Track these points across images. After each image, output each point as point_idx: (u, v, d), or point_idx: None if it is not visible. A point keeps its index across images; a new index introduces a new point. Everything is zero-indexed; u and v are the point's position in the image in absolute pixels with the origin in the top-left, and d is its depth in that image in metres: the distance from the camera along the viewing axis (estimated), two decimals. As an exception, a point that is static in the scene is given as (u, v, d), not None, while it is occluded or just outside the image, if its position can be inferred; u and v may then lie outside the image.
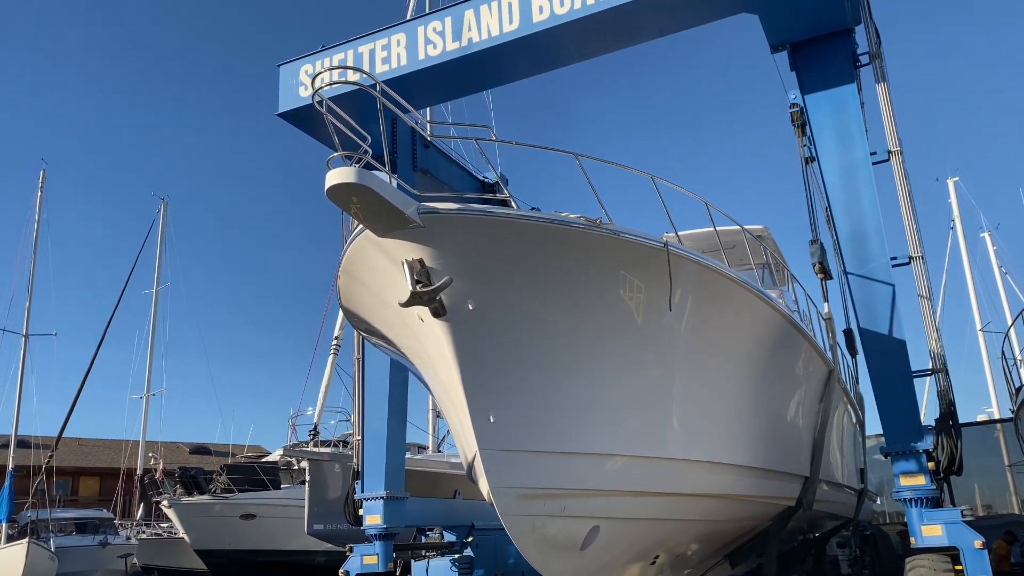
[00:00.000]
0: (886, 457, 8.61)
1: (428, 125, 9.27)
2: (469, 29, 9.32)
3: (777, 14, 9.04)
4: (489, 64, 9.61)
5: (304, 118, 10.79)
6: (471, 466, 6.36)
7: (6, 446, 28.66)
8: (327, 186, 5.11)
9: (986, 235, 32.72)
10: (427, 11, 10.62)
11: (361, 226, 5.72)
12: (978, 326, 30.83)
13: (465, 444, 6.29)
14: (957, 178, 32.31)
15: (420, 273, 5.66)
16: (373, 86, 5.72)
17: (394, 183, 5.51)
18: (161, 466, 24.28)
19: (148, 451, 32.05)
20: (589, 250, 6.08)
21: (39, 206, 31.75)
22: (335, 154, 5.66)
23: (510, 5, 9.16)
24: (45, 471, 23.54)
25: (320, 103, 5.72)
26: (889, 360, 8.60)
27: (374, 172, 5.37)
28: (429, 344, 6.16)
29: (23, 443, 28.88)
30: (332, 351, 16.23)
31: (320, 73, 5.61)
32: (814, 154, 9.67)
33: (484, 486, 6.08)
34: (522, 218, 5.83)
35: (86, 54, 72.05)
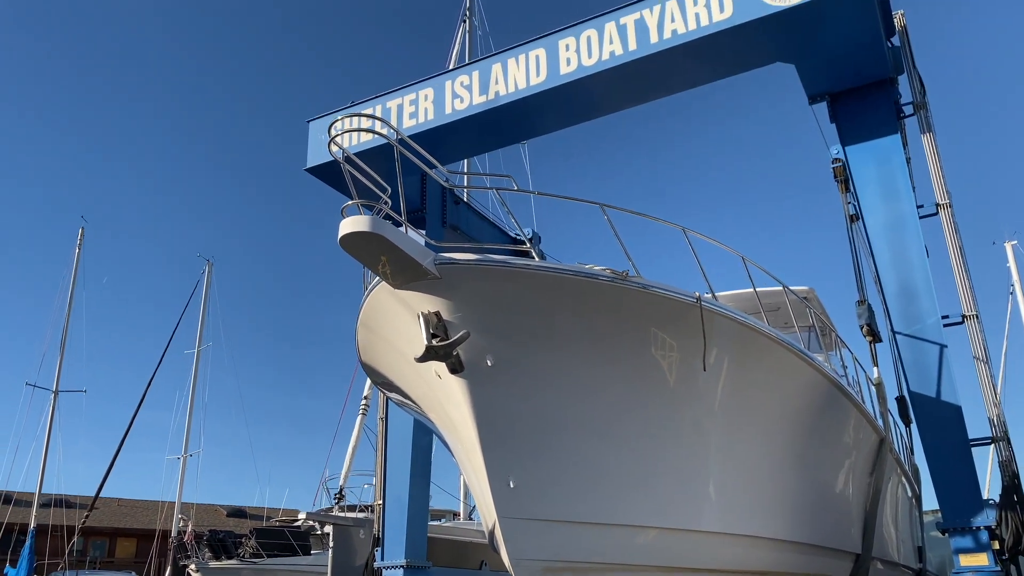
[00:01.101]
0: (944, 534, 7.93)
1: (450, 177, 9.10)
2: (496, 83, 9.22)
3: (814, 64, 8.77)
4: (518, 117, 9.46)
5: (331, 173, 10.72)
6: (492, 534, 5.96)
7: (41, 505, 28.65)
8: (340, 235, 4.95)
9: (1052, 299, 31.46)
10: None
11: (378, 278, 5.54)
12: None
13: (485, 510, 5.91)
14: (1015, 241, 31.25)
15: (436, 326, 5.42)
16: (394, 137, 5.56)
17: (411, 234, 5.31)
18: (190, 528, 23.96)
19: (184, 513, 31.80)
20: (616, 305, 5.75)
21: (76, 263, 32.45)
22: (350, 202, 5.48)
23: (537, 58, 9.05)
24: (68, 530, 23.35)
25: (339, 152, 5.59)
26: (943, 426, 8.00)
27: (389, 222, 5.18)
28: (447, 402, 5.86)
29: (56, 502, 28.84)
30: (360, 411, 15.87)
31: (337, 121, 5.46)
32: (858, 211, 9.28)
33: (504, 557, 5.67)
34: (543, 269, 5.53)
35: (125, 114, 74.73)
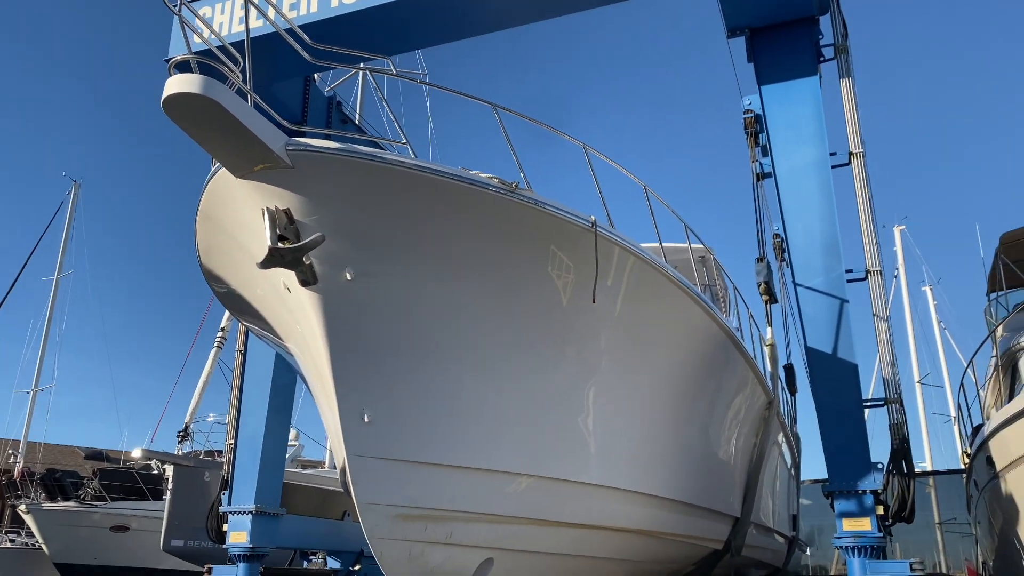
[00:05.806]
0: (828, 497, 7.62)
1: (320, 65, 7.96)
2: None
3: (738, -7, 8.12)
4: (392, 24, 8.34)
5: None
6: (343, 475, 5.11)
7: None
8: (164, 95, 3.87)
9: (927, 289, 31.19)
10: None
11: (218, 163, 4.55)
12: (916, 378, 29.47)
13: (336, 447, 5.06)
14: (904, 226, 30.56)
15: (285, 227, 4.49)
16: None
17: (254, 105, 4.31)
18: (20, 465, 21.90)
19: (32, 452, 29.33)
20: (502, 220, 4.96)
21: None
22: (180, 56, 4.43)
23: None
24: None
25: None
26: (838, 386, 7.65)
27: (233, 91, 4.15)
28: (298, 320, 4.94)
29: None
30: (216, 344, 14.36)
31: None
32: (770, 155, 8.82)
33: (354, 500, 4.86)
34: (421, 169, 4.65)
35: None
